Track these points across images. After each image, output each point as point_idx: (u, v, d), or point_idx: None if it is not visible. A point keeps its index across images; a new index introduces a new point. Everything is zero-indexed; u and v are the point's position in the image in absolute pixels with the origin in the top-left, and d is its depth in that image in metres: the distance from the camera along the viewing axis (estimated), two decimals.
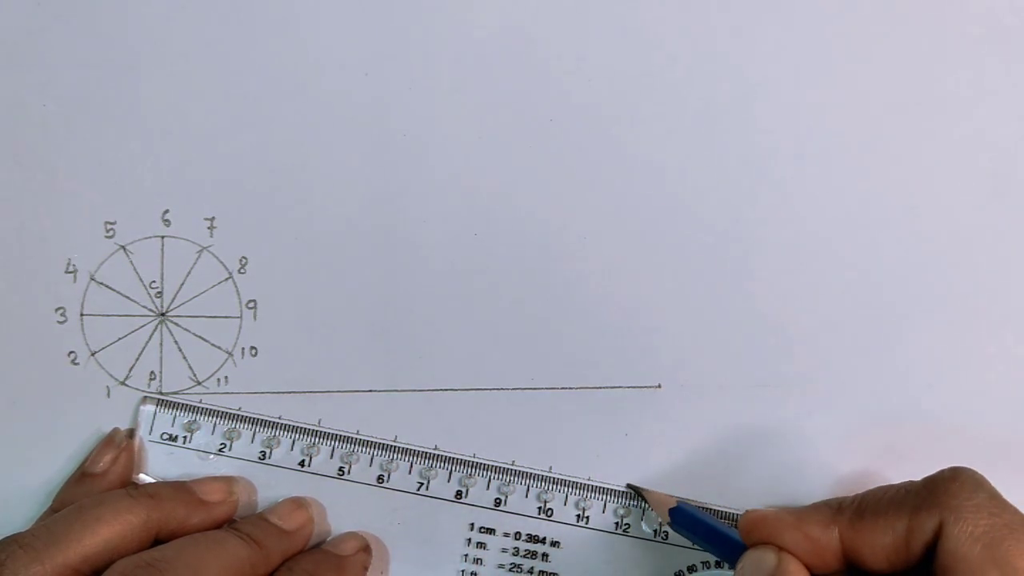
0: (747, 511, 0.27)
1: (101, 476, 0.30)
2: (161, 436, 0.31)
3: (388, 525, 0.31)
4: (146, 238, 0.32)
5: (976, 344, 0.31)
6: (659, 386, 0.31)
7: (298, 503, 0.30)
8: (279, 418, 0.31)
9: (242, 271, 0.32)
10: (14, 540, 0.26)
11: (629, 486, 0.31)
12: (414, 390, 0.31)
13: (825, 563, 0.25)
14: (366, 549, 0.30)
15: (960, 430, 0.30)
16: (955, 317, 0.31)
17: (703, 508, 0.30)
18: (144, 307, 0.32)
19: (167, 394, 0.31)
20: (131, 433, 0.31)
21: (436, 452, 0.31)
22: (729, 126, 0.31)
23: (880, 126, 0.31)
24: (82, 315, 0.31)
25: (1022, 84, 0.31)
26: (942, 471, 0.24)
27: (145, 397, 0.31)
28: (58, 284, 0.31)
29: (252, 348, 0.31)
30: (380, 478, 0.31)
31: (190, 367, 0.32)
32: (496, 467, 0.31)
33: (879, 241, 0.31)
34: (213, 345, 0.32)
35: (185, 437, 0.31)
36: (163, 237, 0.32)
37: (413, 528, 0.31)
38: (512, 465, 0.31)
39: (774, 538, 0.25)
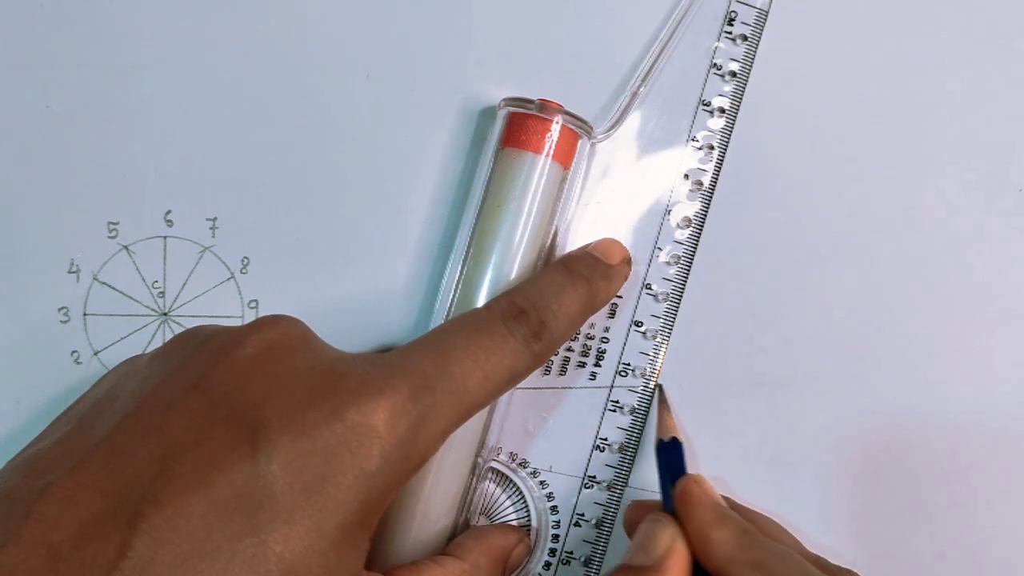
0: (688, 483, 0.28)
1: None
2: None
3: None
4: (149, 238, 0.32)
5: (975, 343, 0.31)
6: (659, 385, 0.31)
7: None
8: None
9: (244, 271, 0.32)
10: None
11: (660, 388, 0.31)
12: None
13: (688, 565, 0.26)
14: (628, 262, 0.30)
15: (959, 430, 0.31)
16: (954, 317, 0.31)
17: None
18: (147, 307, 0.32)
19: None
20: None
21: None
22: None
23: (879, 126, 0.31)
24: (85, 315, 0.32)
25: (1021, 84, 0.31)
26: None
27: None
28: (61, 284, 0.32)
29: None
30: None
31: None
32: (498, 470, 0.31)
33: (878, 241, 0.31)
34: None
35: None
36: (165, 237, 0.32)
37: None
38: (513, 461, 0.31)
39: (690, 518, 0.27)
